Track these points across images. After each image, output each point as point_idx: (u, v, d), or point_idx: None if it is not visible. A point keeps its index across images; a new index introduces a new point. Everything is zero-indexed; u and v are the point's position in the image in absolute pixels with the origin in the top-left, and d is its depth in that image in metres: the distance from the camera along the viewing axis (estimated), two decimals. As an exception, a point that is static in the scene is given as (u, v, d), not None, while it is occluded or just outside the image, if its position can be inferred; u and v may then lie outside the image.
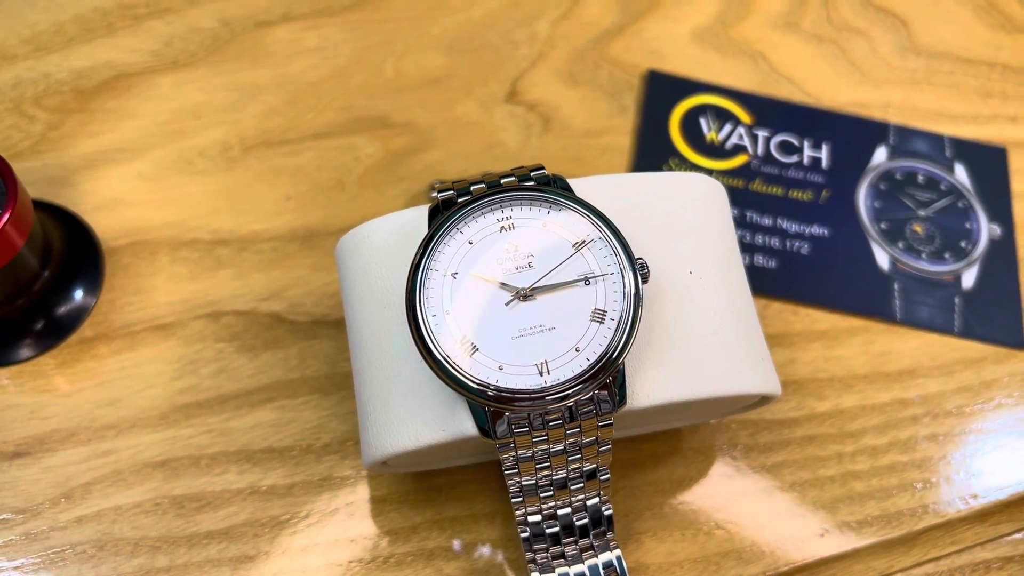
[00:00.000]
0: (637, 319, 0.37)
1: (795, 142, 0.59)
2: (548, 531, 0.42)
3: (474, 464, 0.47)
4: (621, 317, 0.37)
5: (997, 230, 0.57)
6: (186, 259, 0.51)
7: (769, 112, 0.60)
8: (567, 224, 0.39)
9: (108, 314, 0.49)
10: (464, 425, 0.38)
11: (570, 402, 0.36)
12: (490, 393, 0.36)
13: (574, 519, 0.42)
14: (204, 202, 0.53)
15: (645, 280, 0.38)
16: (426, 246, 0.38)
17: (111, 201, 0.53)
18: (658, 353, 0.39)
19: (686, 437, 0.49)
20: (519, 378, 0.37)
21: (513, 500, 0.40)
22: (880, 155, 0.59)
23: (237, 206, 0.53)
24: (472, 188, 0.40)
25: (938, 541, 0.48)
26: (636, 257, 0.38)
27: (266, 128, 0.56)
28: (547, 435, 0.38)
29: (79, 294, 0.49)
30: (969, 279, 0.55)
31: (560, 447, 0.39)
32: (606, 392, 0.37)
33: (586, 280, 0.38)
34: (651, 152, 0.58)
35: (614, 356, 0.37)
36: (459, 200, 0.39)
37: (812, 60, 0.63)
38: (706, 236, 0.42)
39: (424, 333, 0.37)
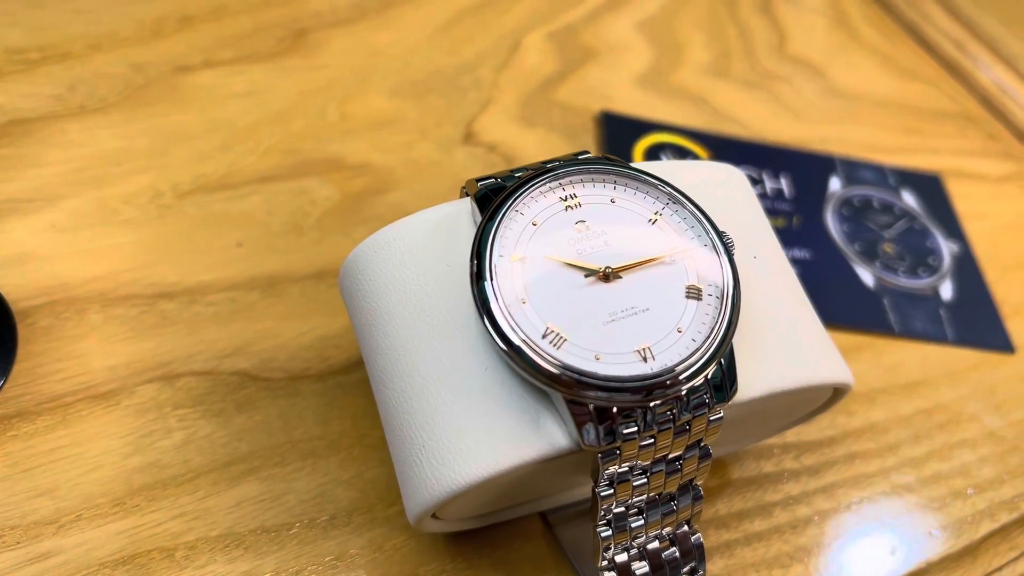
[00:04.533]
0: (739, 292, 0.33)
1: (755, 175, 0.58)
2: (637, 573, 0.35)
3: (512, 520, 0.40)
4: (723, 291, 0.33)
5: (955, 247, 0.58)
6: (123, 317, 0.42)
7: (724, 148, 0.59)
8: (637, 198, 0.35)
9: (28, 386, 0.39)
10: (554, 436, 0.31)
11: (685, 388, 0.31)
12: (596, 384, 0.30)
13: (664, 557, 0.35)
14: (138, 253, 0.44)
15: (731, 253, 0.34)
16: (485, 230, 0.32)
17: (19, 256, 0.43)
18: (748, 340, 0.34)
19: (733, 468, 0.44)
20: (621, 367, 0.31)
21: (602, 534, 0.33)
22: (835, 184, 0.59)
23: (179, 256, 0.45)
24: (516, 175, 0.35)
25: (997, 548, 0.45)
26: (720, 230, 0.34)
27: (200, 173, 0.48)
28: (655, 438, 0.31)
29: (-15, 365, 0.38)
30: (947, 291, 0.55)
31: (663, 456, 0.32)
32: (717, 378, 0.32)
33: (671, 256, 0.33)
34: (622, 186, 0.55)
35: (724, 332, 0.32)
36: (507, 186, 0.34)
37: (748, 103, 0.63)
38: (753, 222, 0.39)
39: (503, 325, 0.30)
